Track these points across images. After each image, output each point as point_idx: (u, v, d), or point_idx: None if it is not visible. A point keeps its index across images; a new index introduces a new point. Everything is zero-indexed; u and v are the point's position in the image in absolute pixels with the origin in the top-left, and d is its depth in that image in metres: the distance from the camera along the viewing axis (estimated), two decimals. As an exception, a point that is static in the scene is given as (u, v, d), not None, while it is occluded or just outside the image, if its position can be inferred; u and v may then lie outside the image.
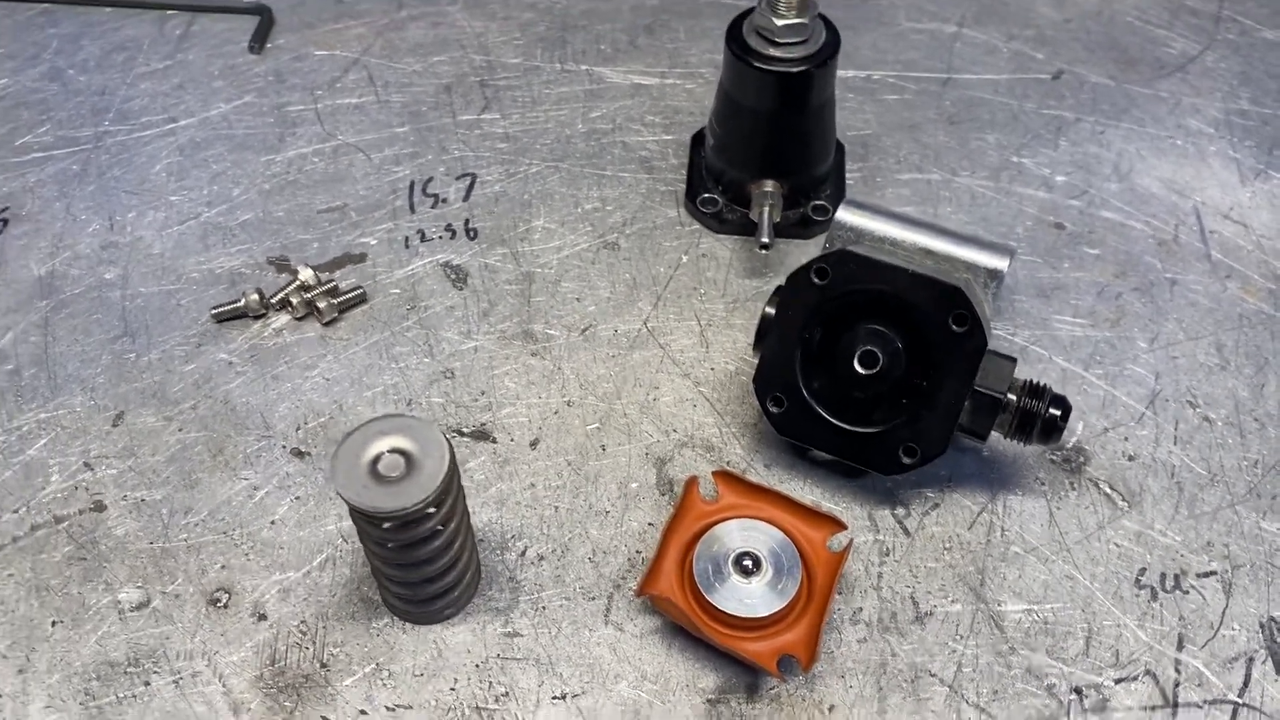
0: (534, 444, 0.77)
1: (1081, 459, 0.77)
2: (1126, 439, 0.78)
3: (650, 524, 0.73)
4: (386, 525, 0.60)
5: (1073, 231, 0.90)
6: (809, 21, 0.80)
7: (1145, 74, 1.02)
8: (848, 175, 0.93)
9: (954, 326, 0.69)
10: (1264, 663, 0.68)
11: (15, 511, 0.73)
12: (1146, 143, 0.96)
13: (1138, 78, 1.02)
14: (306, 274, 0.83)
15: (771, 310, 0.74)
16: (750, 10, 0.82)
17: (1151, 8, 1.08)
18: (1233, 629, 0.70)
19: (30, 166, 0.94)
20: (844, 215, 0.77)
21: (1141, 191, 0.93)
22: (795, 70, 0.80)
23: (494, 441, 0.77)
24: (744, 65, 0.81)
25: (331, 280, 0.84)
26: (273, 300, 0.83)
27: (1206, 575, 0.72)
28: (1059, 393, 0.71)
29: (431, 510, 0.60)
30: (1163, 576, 0.72)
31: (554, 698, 0.66)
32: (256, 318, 0.83)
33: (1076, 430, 0.78)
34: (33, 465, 0.76)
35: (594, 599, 0.70)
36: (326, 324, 0.83)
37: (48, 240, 0.88)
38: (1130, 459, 0.77)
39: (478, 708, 0.66)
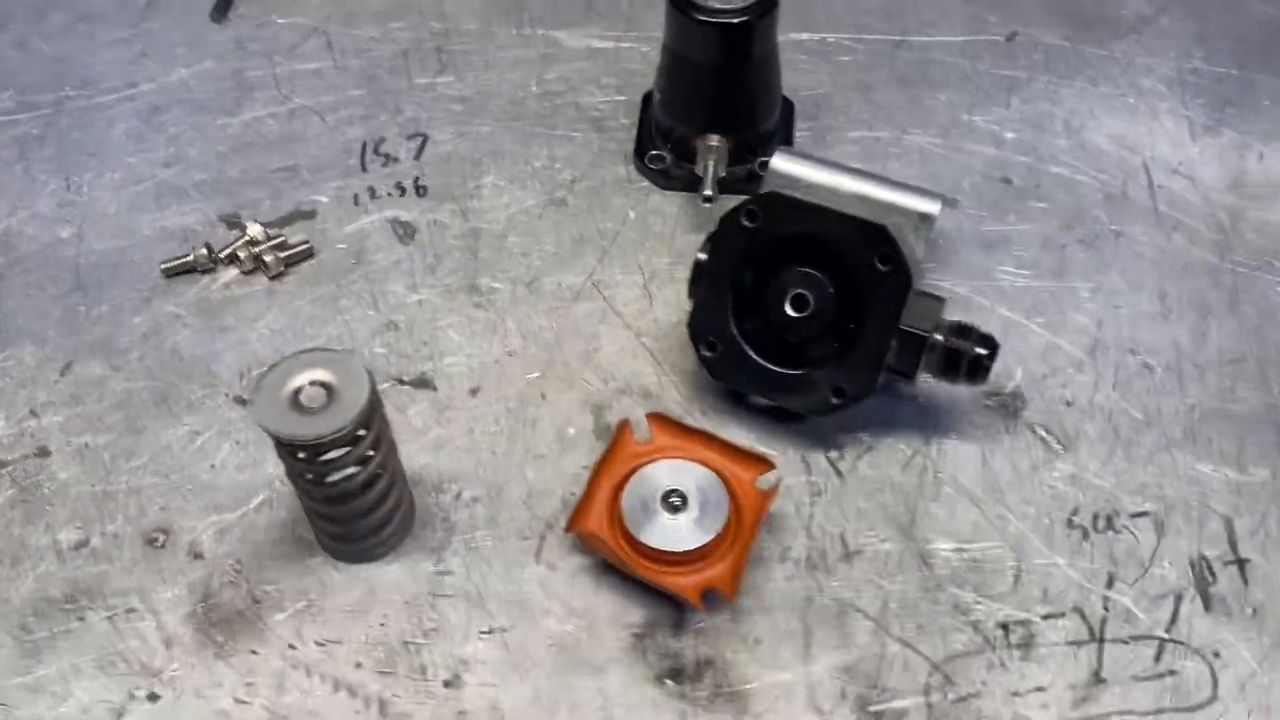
0: (474, 392, 0.78)
1: (1019, 404, 0.77)
2: (1065, 385, 0.78)
3: (584, 467, 0.74)
4: (302, 455, 0.61)
5: (1020, 186, 0.90)
6: (747, -27, 0.80)
7: (1100, 35, 1.02)
8: (797, 134, 0.93)
9: (879, 265, 0.69)
10: (1192, 600, 0.68)
11: (-40, 457, 0.75)
12: (1098, 101, 0.96)
13: (1092, 39, 1.02)
14: (255, 229, 0.84)
15: (704, 256, 0.74)
16: (692, -35, 0.83)
17: (1109, -29, 1.09)
18: (1163, 567, 0.70)
19: (-9, 131, 0.95)
20: (778, 163, 0.77)
21: (1091, 148, 0.93)
22: (735, 21, 0.81)
23: (434, 390, 0.78)
24: (685, 18, 0.81)
25: (280, 236, 0.85)
26: (221, 255, 0.84)
27: (1139, 516, 0.72)
28: (986, 333, 0.71)
29: (353, 440, 0.61)
30: (1095, 517, 0.72)
31: (482, 633, 0.67)
32: (204, 272, 0.84)
33: (1015, 376, 0.78)
34: (-21, 414, 0.77)
35: (526, 539, 0.71)
36: (273, 278, 0.84)
37: (6, 201, 0.90)
38: (1068, 404, 0.77)
39: (405, 642, 0.67)
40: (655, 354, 0.80)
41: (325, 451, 0.61)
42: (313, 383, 0.61)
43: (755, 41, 0.82)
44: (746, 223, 0.72)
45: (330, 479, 0.63)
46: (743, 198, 0.89)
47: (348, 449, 0.62)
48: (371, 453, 0.64)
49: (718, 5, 0.81)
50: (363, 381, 0.61)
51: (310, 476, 0.63)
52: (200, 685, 0.65)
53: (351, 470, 0.63)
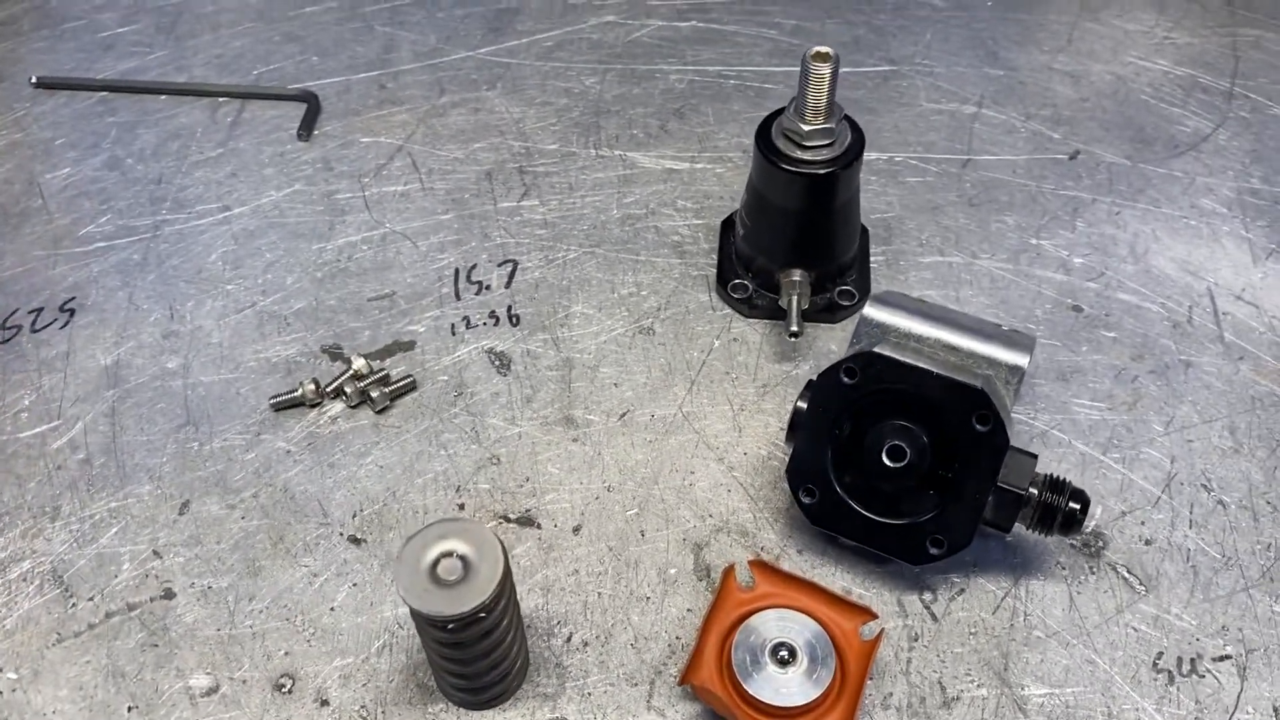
0: (576, 529, 0.81)
1: (1100, 544, 0.80)
2: (1143, 523, 0.81)
3: (689, 610, 0.77)
4: (448, 626, 0.64)
5: (1090, 314, 0.93)
6: (835, 126, 0.84)
7: (1159, 153, 1.06)
8: (872, 259, 0.97)
9: (977, 426, 0.73)
10: (1277, 746, 0.71)
11: (90, 599, 0.78)
12: (1161, 223, 1.00)
13: (1152, 156, 1.05)
14: (359, 363, 0.88)
15: (803, 405, 0.78)
16: (779, 111, 0.86)
17: (1165, 85, 1.12)
18: (1247, 712, 0.73)
19: (94, 256, 0.99)
20: (870, 312, 0.81)
21: (1156, 273, 0.96)
22: (821, 172, 0.84)
23: (539, 528, 0.81)
24: (772, 166, 0.85)
25: (383, 369, 0.89)
26: (328, 389, 0.87)
27: (1221, 659, 0.75)
28: (1078, 487, 0.75)
29: (483, 615, 0.64)
30: (1179, 660, 0.75)
31: (601, 782, 0.70)
32: (313, 406, 0.87)
33: (1095, 515, 0.80)
34: (105, 554, 0.80)
35: (636, 685, 0.74)
36: (379, 412, 0.87)
37: (112, 330, 0.93)
38: (1147, 543, 0.80)
39: (529, 792, 0.70)
40: (748, 489, 0.83)
41: (464, 623, 0.64)
42: (448, 554, 0.65)
43: (839, 190, 0.86)
44: (846, 380, 0.75)
45: (463, 642, 0.67)
46: (824, 326, 0.92)
47: (483, 618, 0.65)
48: (503, 620, 0.67)
49: (804, 156, 0.85)
50: (496, 555, 0.65)
51: (444, 641, 0.67)
52: (335, 835, 0.69)
53: (483, 634, 0.67)
